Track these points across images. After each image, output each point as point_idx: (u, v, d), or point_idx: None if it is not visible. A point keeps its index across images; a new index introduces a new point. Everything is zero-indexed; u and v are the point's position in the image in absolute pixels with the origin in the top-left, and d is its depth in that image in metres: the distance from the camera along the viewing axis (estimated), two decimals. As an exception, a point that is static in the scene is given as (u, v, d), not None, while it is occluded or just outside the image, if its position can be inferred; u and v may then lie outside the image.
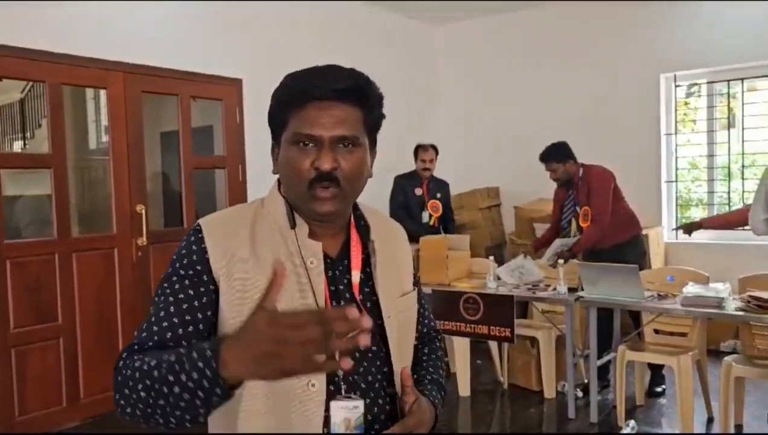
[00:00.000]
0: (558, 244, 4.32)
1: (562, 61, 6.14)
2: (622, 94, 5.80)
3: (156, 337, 1.07)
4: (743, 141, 5.40)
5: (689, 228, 3.90)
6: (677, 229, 3.84)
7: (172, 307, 1.09)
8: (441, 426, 3.96)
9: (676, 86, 5.67)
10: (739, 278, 3.65)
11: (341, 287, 1.17)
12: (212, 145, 5.41)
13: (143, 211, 4.31)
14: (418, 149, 5.19)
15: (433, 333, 1.41)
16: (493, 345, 4.59)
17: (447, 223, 5.28)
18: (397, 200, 5.21)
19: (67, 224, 4.02)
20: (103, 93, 4.47)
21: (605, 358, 4.06)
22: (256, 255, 1.13)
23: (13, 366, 3.73)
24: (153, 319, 1.10)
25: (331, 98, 1.11)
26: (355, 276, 1.19)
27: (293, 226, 1.17)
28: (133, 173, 4.33)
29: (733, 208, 5.24)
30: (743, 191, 5.43)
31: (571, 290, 3.90)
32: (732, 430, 3.52)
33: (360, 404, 1.10)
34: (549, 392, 4.25)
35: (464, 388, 4.37)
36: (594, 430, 3.77)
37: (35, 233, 4.60)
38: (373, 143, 1.21)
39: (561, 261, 4.00)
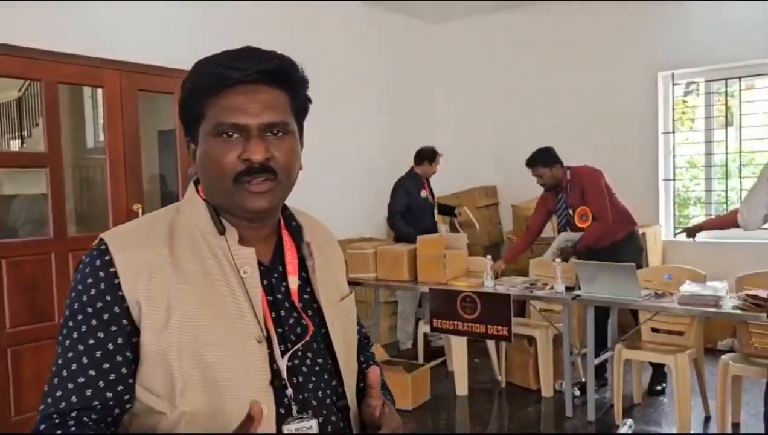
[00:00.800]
0: (562, 238, 4.29)
1: (559, 60, 6.13)
2: (620, 92, 5.80)
3: (75, 399, 0.91)
4: (741, 139, 5.40)
5: (692, 231, 3.87)
6: (680, 232, 3.82)
7: (84, 358, 0.92)
8: (440, 425, 3.91)
9: (674, 84, 5.67)
10: (736, 277, 3.65)
11: (279, 296, 1.05)
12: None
13: (140, 211, 4.30)
14: (435, 155, 5.14)
15: (365, 340, 1.29)
16: (491, 344, 4.58)
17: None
18: (399, 204, 5.14)
19: (63, 223, 4.01)
20: (99, 91, 4.45)
21: (602, 357, 4.06)
22: (180, 270, 0.97)
23: (8, 366, 3.71)
24: (64, 373, 0.92)
25: (255, 81, 0.99)
26: (293, 282, 1.07)
27: (222, 231, 1.02)
28: (129, 172, 4.32)
29: (731, 207, 5.24)
30: (741, 190, 5.42)
31: (568, 289, 3.90)
32: (729, 429, 3.52)
33: (314, 424, 0.99)
34: (546, 391, 4.25)
35: (462, 387, 4.36)
36: (591, 428, 3.77)
37: (31, 232, 4.58)
38: (301, 131, 1.09)
39: (558, 260, 3.99)
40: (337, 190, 5.81)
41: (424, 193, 5.15)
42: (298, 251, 1.11)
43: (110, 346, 0.93)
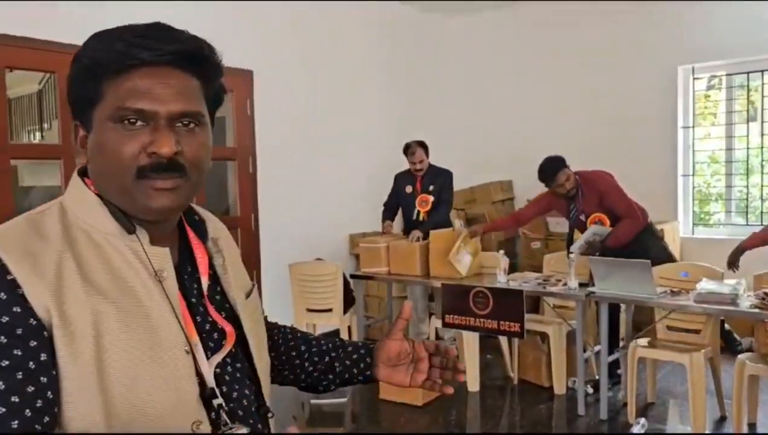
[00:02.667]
0: (591, 232, 4.16)
1: (578, 53, 6.04)
2: (639, 85, 5.70)
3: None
4: (763, 134, 5.28)
5: (735, 258, 3.78)
6: (728, 268, 3.77)
7: (2, 383, 0.74)
8: (450, 421, 3.89)
9: (694, 78, 5.56)
10: (754, 275, 3.57)
11: (193, 300, 0.93)
12: (224, 137, 5.41)
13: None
14: (408, 148, 4.97)
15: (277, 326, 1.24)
16: (504, 340, 4.54)
17: (433, 212, 4.91)
18: (389, 203, 5.13)
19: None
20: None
21: (616, 355, 4.00)
22: (89, 279, 0.82)
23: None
24: None
25: (165, 63, 0.85)
26: (205, 283, 0.96)
27: (131, 230, 0.88)
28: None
29: (752, 205, 5.14)
30: (762, 186, 5.31)
31: (582, 285, 3.85)
32: (745, 429, 3.46)
33: (245, 431, 0.91)
34: (559, 388, 4.20)
35: (473, 383, 4.33)
36: (604, 427, 3.72)
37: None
38: (212, 124, 0.95)
39: (572, 256, 3.93)
40: (350, 184, 5.80)
41: (409, 189, 5.01)
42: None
43: (31, 364, 0.76)
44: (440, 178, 4.94)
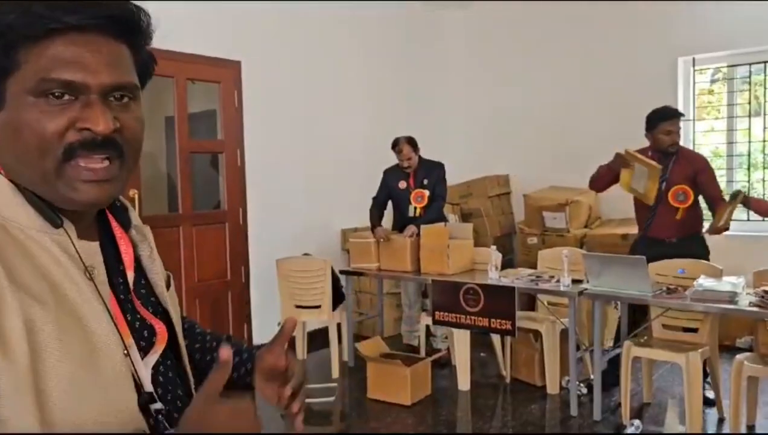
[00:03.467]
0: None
1: (575, 46, 5.91)
2: (638, 78, 5.56)
3: None
4: (766, 128, 5.14)
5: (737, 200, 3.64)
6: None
7: None
8: (440, 420, 3.76)
9: (695, 70, 5.42)
10: (754, 272, 3.45)
11: (122, 296, 0.84)
12: (215, 129, 5.30)
13: (136, 196, 4.22)
14: (394, 146, 4.79)
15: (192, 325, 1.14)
16: (496, 338, 4.43)
17: (429, 208, 4.71)
18: (378, 198, 4.89)
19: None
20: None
21: (610, 354, 3.88)
22: (14, 282, 0.71)
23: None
24: None
25: (94, 28, 0.75)
26: (130, 277, 0.86)
27: (58, 223, 0.77)
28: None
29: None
30: (765, 181, 5.18)
31: (575, 282, 3.73)
32: (743, 430, 3.34)
33: None
34: (552, 388, 4.08)
35: (464, 382, 4.22)
36: (597, 427, 3.61)
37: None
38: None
39: (566, 251, 3.81)
40: (343, 178, 5.68)
41: (403, 184, 4.83)
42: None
43: None
44: (434, 172, 4.78)
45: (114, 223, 0.88)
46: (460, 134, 6.62)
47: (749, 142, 5.20)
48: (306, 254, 4.68)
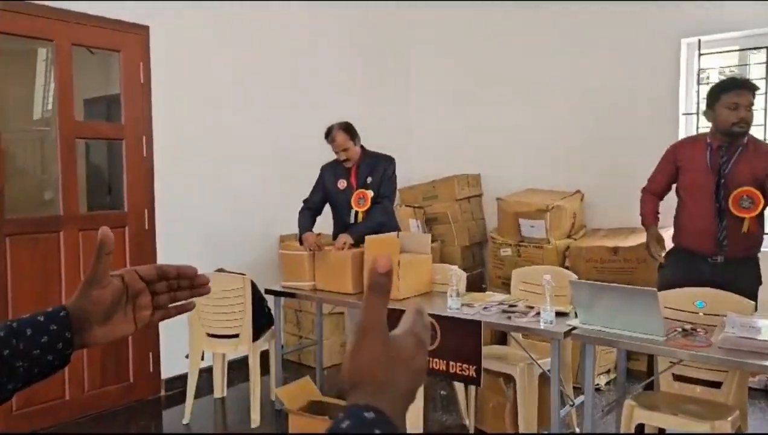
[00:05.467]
0: None
1: (565, 28, 5.04)
2: (634, 62, 4.72)
3: None
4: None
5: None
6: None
7: None
8: None
9: (700, 55, 4.58)
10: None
11: None
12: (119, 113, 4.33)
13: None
14: (328, 134, 3.82)
15: None
16: (459, 378, 3.52)
17: (369, 211, 3.80)
18: (311, 200, 3.96)
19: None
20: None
21: (605, 412, 3.00)
22: None
23: None
24: None
25: None
26: None
27: None
28: None
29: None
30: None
31: (560, 315, 2.84)
32: None
33: None
34: (527, 446, 3.20)
35: (416, 431, 3.32)
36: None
37: None
38: None
39: (548, 277, 2.92)
40: (281, 173, 4.73)
41: (342, 184, 3.88)
42: None
43: None
44: (379, 167, 3.85)
45: None
46: (427, 129, 5.72)
47: (765, 134, 4.36)
48: (220, 270, 3.73)
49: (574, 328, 2.69)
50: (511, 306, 3.10)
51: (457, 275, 3.21)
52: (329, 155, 3.91)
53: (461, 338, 2.92)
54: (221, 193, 4.35)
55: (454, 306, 3.05)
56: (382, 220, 3.74)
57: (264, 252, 4.63)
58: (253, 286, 3.63)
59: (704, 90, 4.64)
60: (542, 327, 2.76)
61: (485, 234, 5.46)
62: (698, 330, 2.55)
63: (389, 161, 3.89)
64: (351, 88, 5.26)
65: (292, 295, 3.70)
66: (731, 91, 2.97)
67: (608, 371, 4.19)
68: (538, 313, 2.86)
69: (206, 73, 4.24)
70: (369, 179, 3.82)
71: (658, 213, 3.39)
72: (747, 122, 2.97)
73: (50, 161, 3.67)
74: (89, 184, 4.03)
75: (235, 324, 3.55)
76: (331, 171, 3.92)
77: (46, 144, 3.67)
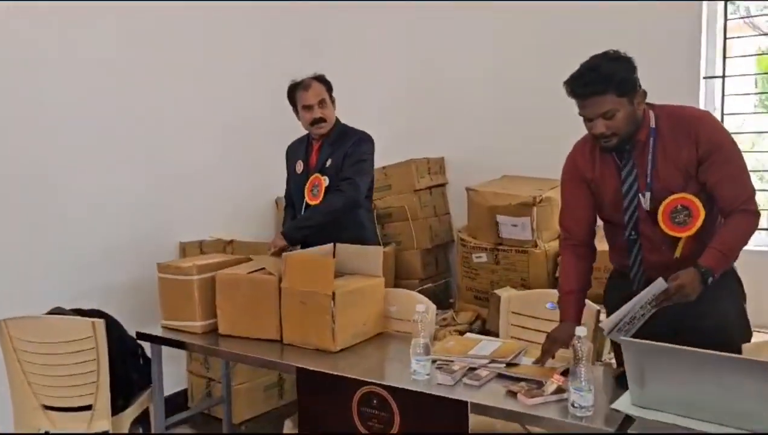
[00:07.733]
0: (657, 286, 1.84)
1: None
2: (648, 22, 3.69)
3: None
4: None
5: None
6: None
7: None
8: None
9: (726, 20, 3.60)
10: None
11: None
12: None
13: None
14: (294, 91, 2.89)
15: None
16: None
17: (328, 195, 2.83)
18: (286, 193, 3.13)
19: None
20: None
21: None
22: None
23: None
24: None
25: None
26: None
27: None
28: None
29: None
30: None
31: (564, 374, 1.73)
32: None
33: None
34: None
35: None
36: None
37: None
38: None
39: (582, 328, 1.78)
40: (187, 164, 3.54)
41: (299, 166, 2.94)
42: None
43: None
44: (344, 147, 2.86)
45: None
46: (374, 98, 4.54)
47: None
48: (56, 310, 2.47)
49: (630, 418, 1.58)
50: (509, 365, 1.97)
51: (423, 309, 2.03)
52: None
53: (434, 423, 1.79)
54: (87, 191, 3.11)
55: (421, 372, 1.89)
56: (334, 208, 2.74)
57: (144, 273, 3.37)
58: (116, 329, 2.42)
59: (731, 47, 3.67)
60: (571, 419, 1.63)
61: (452, 233, 4.37)
62: None
63: (361, 140, 2.90)
64: (283, 49, 4.06)
65: (178, 345, 2.47)
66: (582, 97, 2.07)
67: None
68: (560, 389, 1.73)
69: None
70: (328, 162, 2.84)
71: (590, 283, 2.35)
72: (618, 132, 2.02)
73: None
74: None
75: (84, 391, 2.33)
76: (293, 151, 3.07)
77: None
